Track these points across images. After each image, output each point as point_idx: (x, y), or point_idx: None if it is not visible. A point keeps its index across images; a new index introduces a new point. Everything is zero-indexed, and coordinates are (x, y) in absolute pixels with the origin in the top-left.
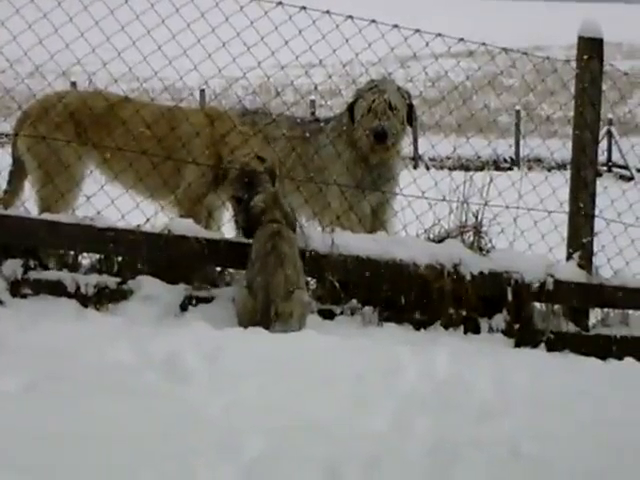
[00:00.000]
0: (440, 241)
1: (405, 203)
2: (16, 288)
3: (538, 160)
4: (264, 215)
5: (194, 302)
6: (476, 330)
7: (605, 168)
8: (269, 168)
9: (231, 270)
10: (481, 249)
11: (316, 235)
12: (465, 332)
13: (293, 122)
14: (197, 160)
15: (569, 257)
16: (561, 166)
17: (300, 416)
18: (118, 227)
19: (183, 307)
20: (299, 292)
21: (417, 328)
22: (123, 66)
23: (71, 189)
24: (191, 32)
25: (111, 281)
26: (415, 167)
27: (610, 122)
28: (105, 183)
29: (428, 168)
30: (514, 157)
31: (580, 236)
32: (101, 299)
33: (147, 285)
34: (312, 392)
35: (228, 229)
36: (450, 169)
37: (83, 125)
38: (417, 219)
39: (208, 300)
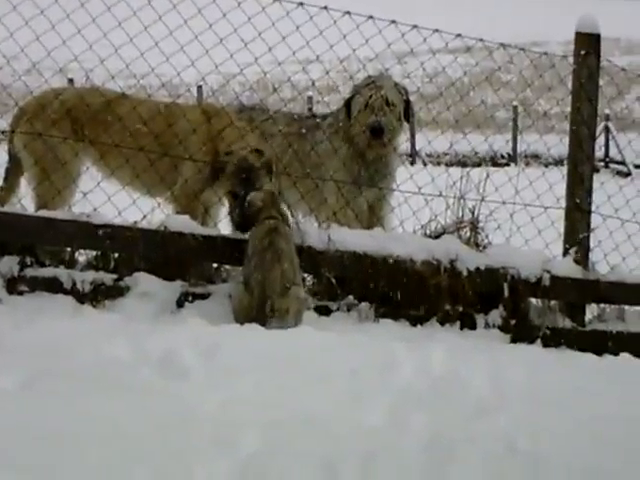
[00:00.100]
0: (437, 237)
1: (402, 199)
2: (12, 285)
3: (535, 156)
4: (261, 213)
5: (190, 298)
6: (472, 326)
7: (602, 164)
8: (266, 161)
9: (227, 266)
10: (478, 245)
11: (312, 231)
12: (461, 328)
13: (290, 118)
14: (194, 156)
15: (565, 253)
16: (558, 162)
17: (296, 412)
18: (115, 224)
19: (179, 304)
20: (295, 288)
21: (413, 324)
22: (120, 63)
23: (68, 186)
24: (188, 28)
25: (107, 278)
26: (412, 163)
27: (607, 118)
28: (102, 180)
29: (425, 164)
30: (511, 153)
31: (577, 232)
32: (97, 296)
33: (143, 282)
34: (308, 388)
35: (225, 225)
36: (447, 165)
37: (80, 122)
38: (414, 215)
39: (204, 296)
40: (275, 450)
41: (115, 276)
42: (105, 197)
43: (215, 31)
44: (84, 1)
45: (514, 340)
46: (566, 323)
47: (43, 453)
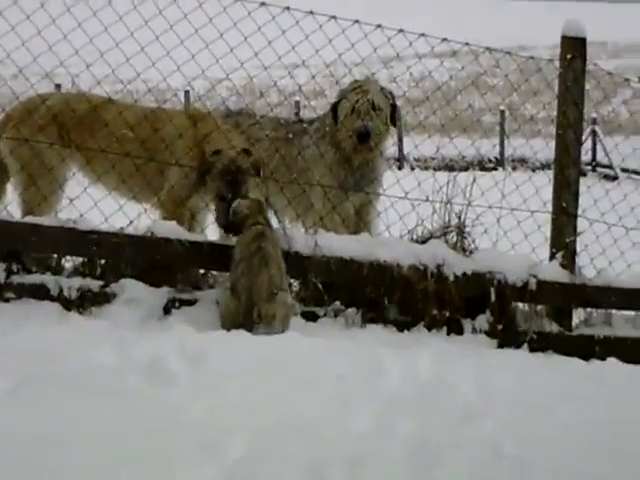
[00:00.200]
0: (423, 242)
1: (388, 204)
2: None
3: (522, 160)
4: (247, 220)
5: (177, 305)
6: (459, 331)
7: (589, 168)
8: (254, 162)
9: (214, 272)
10: (464, 249)
11: (299, 236)
12: (448, 333)
13: (276, 123)
14: (180, 162)
15: (552, 257)
16: (545, 166)
17: (283, 417)
18: (101, 230)
19: (166, 310)
20: (282, 294)
21: (400, 329)
22: (107, 68)
23: (54, 192)
24: (174, 33)
25: (94, 284)
26: (400, 168)
27: (594, 121)
28: (88, 185)
29: (413, 168)
30: (499, 157)
31: (563, 236)
32: (84, 302)
33: (130, 288)
34: (295, 393)
35: (211, 231)
36: (435, 169)
37: (66, 127)
38: (400, 220)
39: (191, 303)
40: (262, 455)
41: (102, 282)
42: (92, 203)
43: (201, 36)
44: (70, 6)
45: (501, 345)
46: (553, 328)
47: (31, 456)
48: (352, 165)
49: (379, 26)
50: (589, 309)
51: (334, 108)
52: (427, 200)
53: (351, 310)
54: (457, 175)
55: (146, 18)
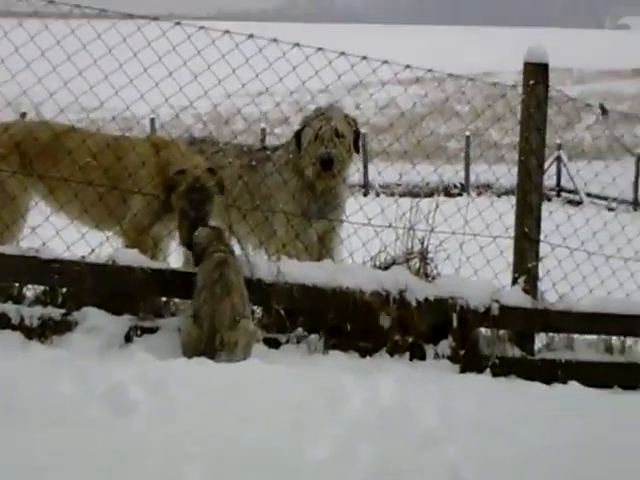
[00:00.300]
0: (386, 268)
1: (351, 230)
2: None
3: (487, 186)
4: (208, 248)
5: (139, 333)
6: (422, 356)
7: (554, 193)
8: (218, 181)
9: (177, 300)
10: (427, 275)
11: (262, 264)
12: (411, 359)
13: (240, 150)
14: (143, 190)
15: (514, 282)
16: (510, 191)
17: (242, 445)
18: (63, 258)
19: (128, 338)
20: (245, 321)
21: (363, 355)
22: (70, 96)
23: (16, 221)
24: (138, 61)
25: (55, 313)
26: (365, 194)
27: (559, 147)
28: (50, 214)
29: (378, 195)
30: (464, 183)
31: (525, 261)
32: (45, 331)
33: (92, 316)
34: (255, 421)
35: (174, 259)
36: (400, 196)
37: (29, 156)
38: (363, 246)
39: (153, 330)
40: None
41: (63, 311)
42: (54, 231)
43: (165, 64)
44: (33, 35)
45: (463, 370)
46: (515, 352)
47: None
48: (315, 192)
49: (342, 53)
50: (551, 333)
51: (297, 135)
52: (390, 226)
53: (313, 336)
54: (420, 201)
55: (109, 46)
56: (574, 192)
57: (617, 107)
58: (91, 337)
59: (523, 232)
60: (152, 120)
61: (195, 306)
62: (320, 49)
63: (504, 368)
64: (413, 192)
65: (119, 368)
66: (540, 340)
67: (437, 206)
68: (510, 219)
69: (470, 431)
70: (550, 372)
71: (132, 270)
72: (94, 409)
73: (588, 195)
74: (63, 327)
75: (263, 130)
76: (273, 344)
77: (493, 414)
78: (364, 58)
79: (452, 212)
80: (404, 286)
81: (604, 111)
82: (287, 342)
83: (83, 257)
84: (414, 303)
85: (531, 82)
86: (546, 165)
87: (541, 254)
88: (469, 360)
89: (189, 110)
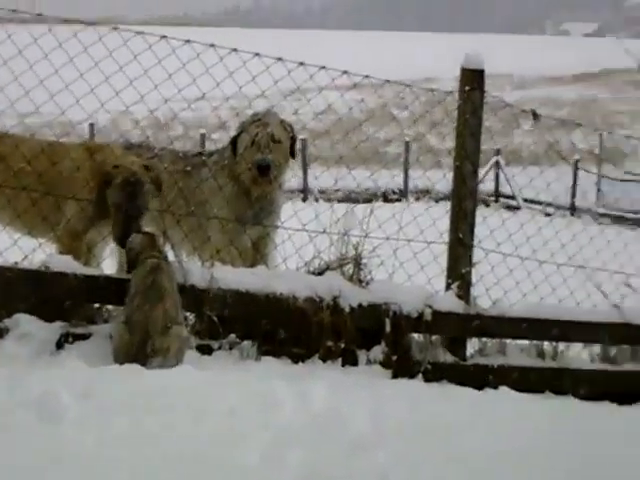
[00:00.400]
0: (320, 274)
1: (286, 236)
2: None
3: (426, 191)
4: (141, 254)
5: (71, 340)
6: (354, 362)
7: (492, 198)
8: (155, 177)
9: (110, 307)
10: (361, 281)
11: (195, 269)
12: (343, 364)
13: (175, 156)
14: (78, 195)
15: (448, 288)
16: (448, 197)
17: (171, 451)
18: None
19: (59, 345)
20: (177, 327)
21: (295, 361)
22: (6, 101)
23: None
24: (74, 67)
25: None
26: (304, 200)
27: (497, 152)
28: None
29: (317, 200)
30: (402, 188)
31: (459, 266)
32: None
33: (23, 323)
34: (185, 426)
35: (108, 265)
36: (339, 201)
37: None
38: (297, 252)
39: (85, 337)
40: None
41: None
42: None
43: (101, 69)
44: None
45: (396, 375)
46: (447, 358)
47: None
48: (250, 198)
49: (279, 59)
50: (484, 339)
51: (234, 141)
52: (324, 232)
53: (246, 343)
54: (355, 207)
55: (46, 51)
56: (512, 197)
57: (556, 113)
58: (22, 344)
59: (457, 238)
60: (91, 125)
61: (127, 312)
62: (257, 54)
63: (436, 373)
64: (352, 198)
65: (49, 375)
66: (473, 345)
67: (371, 212)
68: (445, 224)
69: (400, 437)
70: (482, 377)
71: (65, 276)
72: (23, 415)
73: (526, 200)
74: None
75: (203, 135)
76: (206, 350)
77: (424, 419)
78: (301, 64)
79: (387, 217)
80: (337, 292)
81: (535, 117)
82: (220, 348)
83: (16, 263)
84: (347, 309)
85: (467, 88)
86: (484, 170)
87: (475, 259)
88: (401, 366)
89: (128, 115)
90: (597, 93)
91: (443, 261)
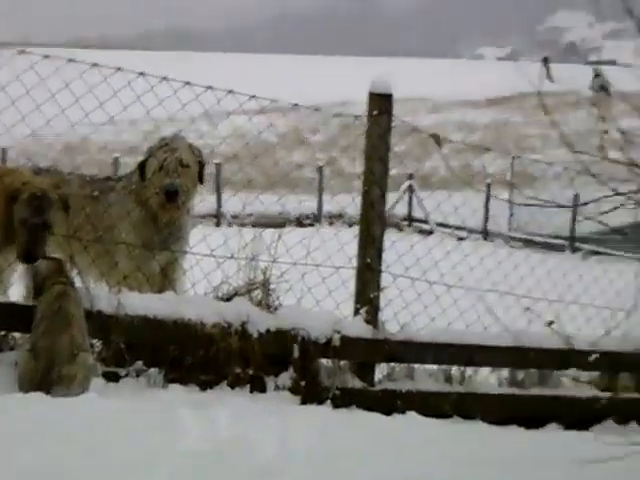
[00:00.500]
0: (228, 299)
1: (194, 261)
2: None
3: (339, 215)
4: (48, 280)
5: None
6: (263, 388)
7: (406, 222)
8: (62, 197)
9: (16, 334)
10: (269, 306)
11: (103, 295)
12: (252, 391)
13: (83, 180)
14: None
15: (356, 313)
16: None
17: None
18: None
19: None
20: (84, 355)
21: (203, 388)
22: None
23: None
24: None
25: None
26: (217, 224)
27: (410, 177)
28: None
29: (230, 225)
30: (316, 213)
31: (367, 291)
32: None
33: None
34: (88, 455)
35: (14, 292)
36: (253, 226)
37: None
38: (205, 278)
39: None
40: None
41: None
42: None
43: (7, 92)
44: None
45: (304, 402)
46: (356, 383)
47: None
48: (158, 223)
49: (187, 83)
50: (392, 364)
51: (142, 166)
52: (232, 257)
53: (154, 370)
54: (263, 231)
55: None
56: (425, 222)
57: (470, 136)
58: None
59: (365, 262)
60: (3, 150)
61: (33, 339)
62: (164, 79)
63: (345, 399)
64: (264, 222)
65: None
66: (381, 370)
67: (280, 237)
68: (354, 249)
69: (308, 463)
70: (390, 403)
71: None
72: None
73: (439, 225)
74: None
75: (116, 159)
76: (112, 378)
77: (331, 446)
78: (209, 88)
79: (296, 242)
80: (246, 317)
81: (438, 141)
82: (127, 375)
83: None
84: (255, 335)
85: (375, 112)
86: (397, 195)
87: (384, 284)
88: (310, 391)
89: (38, 140)
90: (509, 117)
91: (351, 286)
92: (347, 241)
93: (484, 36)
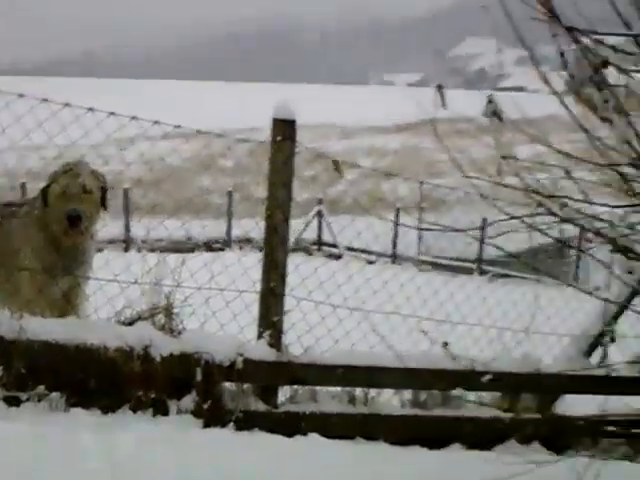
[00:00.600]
0: (131, 324)
1: (97, 286)
2: None
3: (248, 240)
4: None
5: None
6: (165, 412)
7: (315, 247)
8: None
9: None
10: (172, 330)
11: (4, 320)
12: (154, 414)
13: None
14: None
15: (260, 336)
16: None
17: None
18: None
19: None
20: None
21: (105, 412)
22: None
23: None
24: None
25: None
26: (126, 249)
27: (320, 202)
28: None
29: (140, 250)
30: (226, 238)
31: (270, 315)
32: None
33: None
34: None
35: None
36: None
37: None
38: (108, 302)
39: None
40: None
41: None
42: None
43: None
44: None
45: (207, 425)
46: (259, 406)
47: None
48: (61, 249)
49: (90, 109)
50: (295, 386)
51: (44, 191)
52: (135, 282)
53: (55, 394)
54: (167, 256)
55: None
56: (335, 246)
57: (380, 162)
58: None
59: (269, 287)
60: None
61: None
62: (67, 105)
63: (248, 422)
64: (174, 247)
65: None
66: (285, 393)
67: (184, 261)
68: (259, 273)
69: None
70: (293, 425)
71: None
72: None
73: (349, 249)
74: None
75: (23, 185)
76: (13, 402)
77: (234, 468)
78: (112, 114)
79: (200, 267)
80: (148, 341)
81: (337, 168)
82: (28, 400)
83: None
84: (158, 358)
85: (278, 138)
86: (306, 219)
87: (287, 307)
88: (213, 414)
89: None
90: (419, 142)
91: (255, 310)
92: (251, 265)
93: (394, 63)
